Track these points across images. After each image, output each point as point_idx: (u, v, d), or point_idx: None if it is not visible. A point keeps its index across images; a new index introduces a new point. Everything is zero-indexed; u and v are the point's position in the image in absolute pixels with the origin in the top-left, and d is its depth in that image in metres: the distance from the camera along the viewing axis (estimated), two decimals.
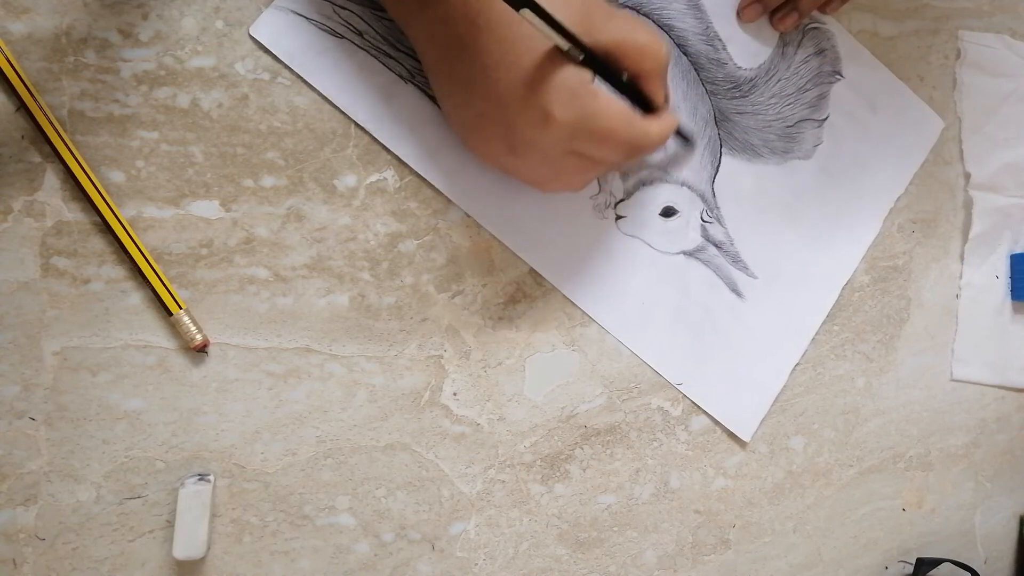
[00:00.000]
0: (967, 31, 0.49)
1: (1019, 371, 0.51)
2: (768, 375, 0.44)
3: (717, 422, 0.42)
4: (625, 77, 0.34)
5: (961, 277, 0.49)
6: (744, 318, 0.43)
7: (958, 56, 0.49)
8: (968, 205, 0.50)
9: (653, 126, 0.34)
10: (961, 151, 0.49)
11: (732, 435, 0.43)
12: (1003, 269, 0.51)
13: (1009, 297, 0.51)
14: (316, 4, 0.35)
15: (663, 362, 0.41)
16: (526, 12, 0.28)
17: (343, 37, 0.35)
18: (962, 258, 0.50)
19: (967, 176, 0.50)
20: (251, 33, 0.34)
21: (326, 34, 0.35)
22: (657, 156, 0.41)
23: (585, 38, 0.31)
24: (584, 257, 0.40)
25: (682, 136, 0.41)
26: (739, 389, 0.43)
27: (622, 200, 0.41)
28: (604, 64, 0.32)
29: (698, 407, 0.42)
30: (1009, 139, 0.50)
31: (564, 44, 0.30)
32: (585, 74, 0.31)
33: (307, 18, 0.35)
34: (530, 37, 0.30)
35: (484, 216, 0.38)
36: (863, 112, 0.46)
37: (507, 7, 0.28)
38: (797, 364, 0.44)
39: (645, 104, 0.35)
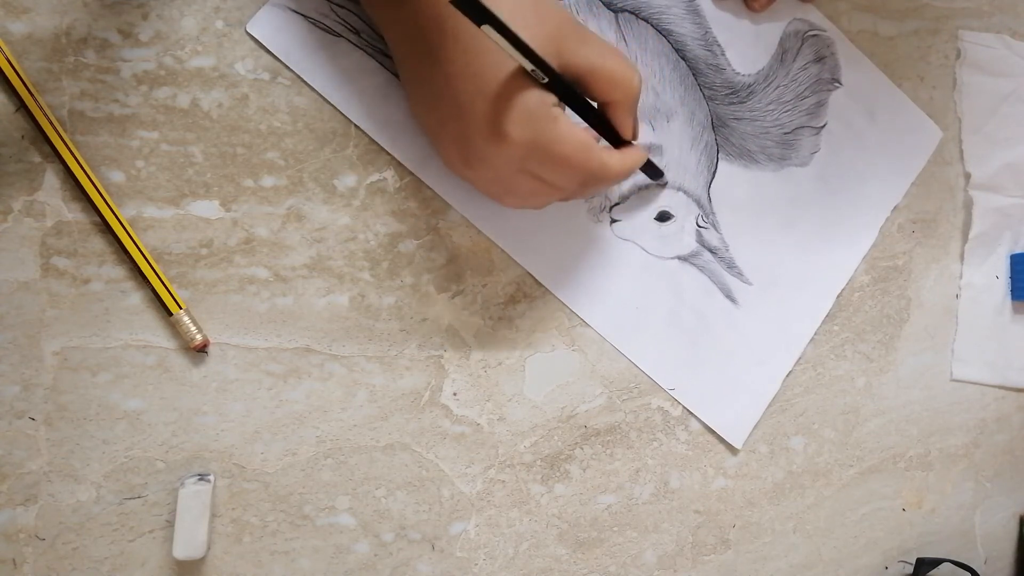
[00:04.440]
0: (967, 31, 0.49)
1: (1019, 371, 0.51)
2: (761, 381, 0.43)
3: (709, 428, 0.42)
4: (596, 105, 0.33)
5: (961, 277, 0.50)
6: (738, 324, 0.43)
7: (958, 56, 0.49)
8: (968, 205, 0.50)
9: (614, 159, 0.33)
10: (961, 151, 0.49)
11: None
12: (1003, 269, 0.51)
13: (1009, 297, 0.51)
14: (314, 2, 0.35)
15: (656, 367, 0.41)
16: (487, 28, 0.26)
17: (340, 36, 0.35)
18: (962, 258, 0.50)
19: (967, 176, 0.50)
20: (248, 30, 0.34)
21: (323, 32, 0.35)
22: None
23: (555, 60, 0.30)
24: (578, 260, 0.40)
25: (653, 170, 0.40)
26: (732, 395, 0.43)
27: (617, 204, 0.41)
28: (569, 89, 0.31)
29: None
30: (1009, 139, 0.50)
31: (528, 64, 0.29)
32: (547, 97, 0.31)
33: (304, 16, 0.35)
34: (495, 51, 0.29)
35: (479, 218, 0.38)
36: (861, 120, 0.46)
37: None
38: (792, 369, 0.44)
39: (615, 135, 0.34)
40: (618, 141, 0.35)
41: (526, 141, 0.30)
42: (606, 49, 0.32)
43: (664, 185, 0.41)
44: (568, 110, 0.32)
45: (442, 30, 0.30)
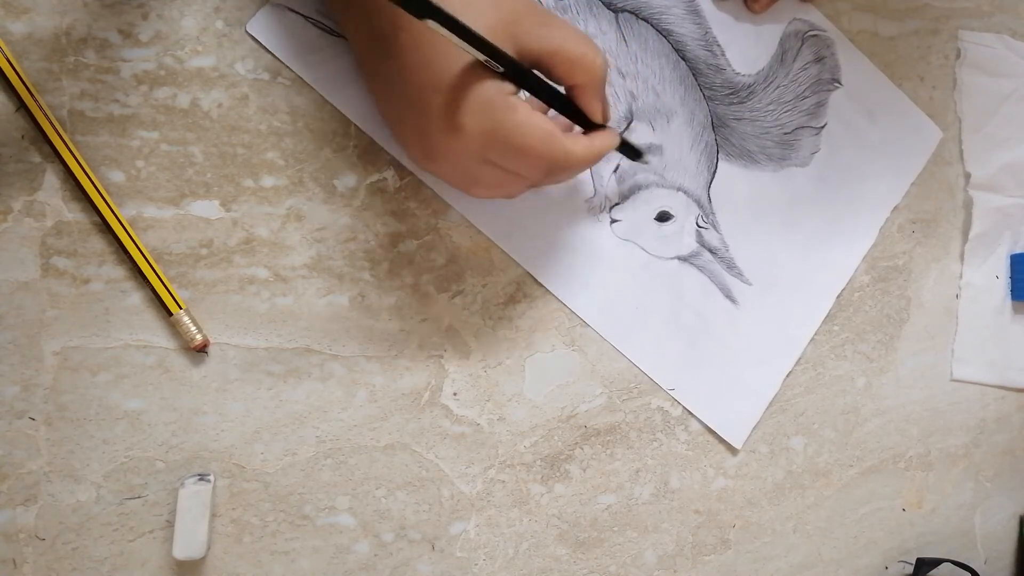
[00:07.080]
0: (967, 31, 0.50)
1: (1019, 371, 0.51)
2: (761, 382, 0.43)
3: (709, 428, 0.42)
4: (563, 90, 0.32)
5: (961, 277, 0.50)
6: (738, 325, 0.43)
7: (958, 56, 0.49)
8: (968, 205, 0.50)
9: (579, 145, 0.32)
10: (961, 151, 0.49)
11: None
12: (1003, 269, 0.51)
13: (1009, 297, 0.51)
14: (314, 2, 0.35)
15: (656, 367, 0.41)
16: (431, 22, 0.25)
17: (340, 36, 0.35)
18: (962, 258, 0.50)
19: (967, 176, 0.50)
20: (248, 29, 0.34)
21: (323, 32, 0.35)
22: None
23: (510, 46, 0.29)
24: (578, 260, 0.40)
25: (631, 151, 0.38)
26: (731, 395, 0.43)
27: (617, 204, 0.41)
28: (528, 76, 0.31)
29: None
30: (1009, 139, 0.50)
31: (480, 56, 0.28)
32: (504, 86, 0.30)
33: (304, 16, 0.35)
34: (447, 41, 0.28)
35: (479, 218, 0.38)
36: (861, 121, 0.46)
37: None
38: (792, 369, 0.44)
39: (585, 119, 0.33)
40: (589, 125, 0.34)
41: (483, 132, 0.30)
42: (568, 31, 0.31)
43: (646, 164, 0.41)
44: (530, 96, 0.31)
45: (395, 23, 0.29)
